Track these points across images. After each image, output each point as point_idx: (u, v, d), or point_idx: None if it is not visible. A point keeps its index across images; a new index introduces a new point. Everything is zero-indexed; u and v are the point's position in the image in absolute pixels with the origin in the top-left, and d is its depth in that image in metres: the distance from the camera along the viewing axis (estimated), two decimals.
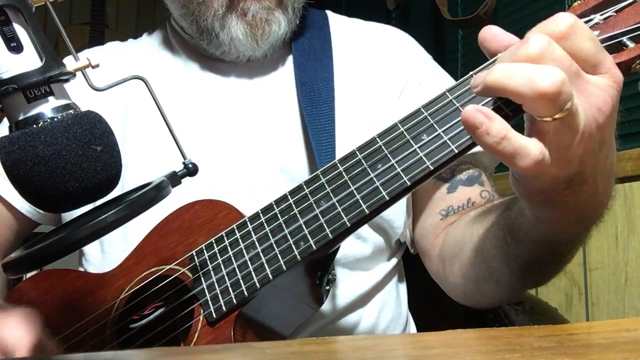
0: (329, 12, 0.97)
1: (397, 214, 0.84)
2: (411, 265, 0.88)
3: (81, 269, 0.87)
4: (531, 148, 0.46)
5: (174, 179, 0.55)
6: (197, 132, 0.83)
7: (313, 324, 0.78)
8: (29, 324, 0.61)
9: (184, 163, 0.57)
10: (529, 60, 0.46)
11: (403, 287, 0.91)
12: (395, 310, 0.87)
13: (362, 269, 0.83)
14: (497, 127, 0.46)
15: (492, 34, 0.51)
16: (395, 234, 0.85)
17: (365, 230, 0.82)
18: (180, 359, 0.40)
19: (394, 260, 0.88)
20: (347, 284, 0.81)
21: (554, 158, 0.47)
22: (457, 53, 2.20)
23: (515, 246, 0.62)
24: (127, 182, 0.78)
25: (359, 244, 0.82)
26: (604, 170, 0.53)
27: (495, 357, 0.36)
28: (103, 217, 0.45)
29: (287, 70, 0.89)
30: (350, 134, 0.80)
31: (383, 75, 0.88)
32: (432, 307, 0.90)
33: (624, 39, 0.51)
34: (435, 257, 0.82)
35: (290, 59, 0.90)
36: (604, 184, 0.54)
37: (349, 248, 0.81)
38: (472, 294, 0.75)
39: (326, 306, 0.79)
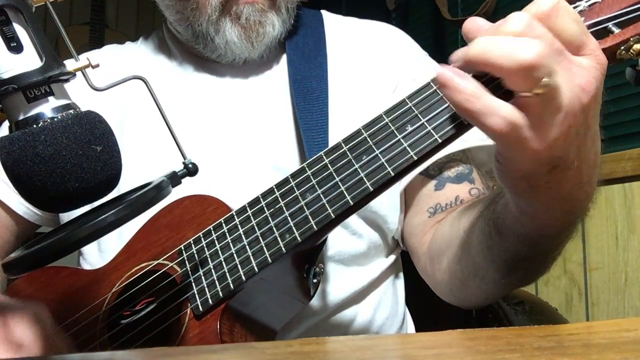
0: (323, 12, 0.98)
1: (391, 210, 0.84)
2: (412, 262, 0.88)
3: (80, 268, 0.87)
4: (502, 108, 0.46)
5: (174, 179, 0.55)
6: (191, 132, 0.83)
7: (308, 320, 0.78)
8: (42, 324, 0.61)
9: (184, 163, 0.57)
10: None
11: (401, 284, 0.91)
12: (392, 308, 0.87)
13: (357, 265, 0.83)
14: (468, 84, 0.47)
15: (476, 25, 0.51)
16: (389, 230, 0.85)
17: (360, 226, 0.82)
18: (178, 359, 0.40)
19: (392, 257, 0.88)
20: (343, 280, 0.81)
21: (537, 135, 0.47)
22: None
23: (500, 241, 0.62)
24: (124, 183, 0.78)
25: (354, 240, 0.82)
26: (588, 158, 0.52)
27: (495, 357, 0.36)
28: (103, 217, 0.45)
29: (281, 70, 0.90)
30: (344, 130, 0.80)
31: (377, 71, 0.89)
32: (432, 305, 0.90)
33: (609, 24, 0.51)
34: (423, 254, 0.82)
35: (284, 58, 0.90)
36: (588, 174, 0.53)
37: (344, 244, 0.81)
38: (458, 292, 0.75)
39: (321, 302, 0.79)
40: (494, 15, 1.90)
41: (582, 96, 0.48)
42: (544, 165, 0.50)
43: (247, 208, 0.65)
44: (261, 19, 0.83)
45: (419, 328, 0.93)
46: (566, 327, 0.49)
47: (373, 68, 0.89)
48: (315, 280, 0.66)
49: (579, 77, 0.47)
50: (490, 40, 0.47)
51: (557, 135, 0.48)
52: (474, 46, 0.47)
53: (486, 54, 0.46)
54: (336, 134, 0.79)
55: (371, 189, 0.56)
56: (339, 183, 0.58)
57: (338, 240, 0.80)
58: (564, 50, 0.47)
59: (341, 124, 0.81)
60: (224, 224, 0.66)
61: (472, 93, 0.46)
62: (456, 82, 0.47)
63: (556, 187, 0.52)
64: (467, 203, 0.77)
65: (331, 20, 0.96)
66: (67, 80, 0.47)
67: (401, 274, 0.92)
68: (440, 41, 2.30)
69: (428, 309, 0.95)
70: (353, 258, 0.82)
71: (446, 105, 0.53)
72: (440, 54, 2.25)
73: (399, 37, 0.96)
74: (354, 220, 0.82)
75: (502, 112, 0.46)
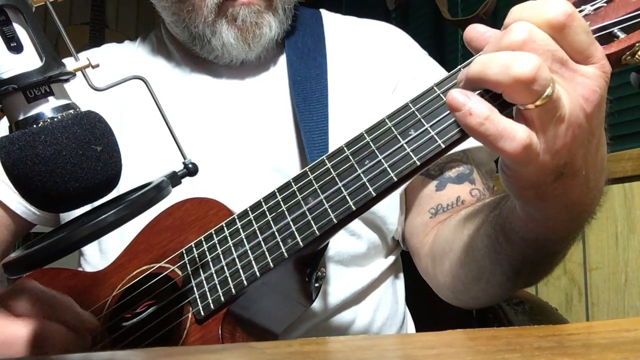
0: (322, 11, 0.98)
1: (390, 211, 0.84)
2: (412, 262, 0.88)
3: (80, 269, 0.87)
4: (517, 131, 0.46)
5: (174, 179, 0.55)
6: (191, 132, 0.83)
7: (307, 321, 0.78)
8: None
9: (184, 163, 0.57)
10: (511, 49, 0.46)
11: (401, 285, 0.91)
12: (391, 308, 0.87)
13: (357, 266, 0.83)
14: (480, 107, 0.46)
15: (477, 32, 0.51)
16: (389, 231, 0.85)
17: (359, 227, 0.82)
18: (178, 359, 0.40)
19: (392, 258, 0.88)
20: (342, 281, 0.81)
21: (542, 147, 0.47)
22: (457, 53, 2.20)
23: (507, 245, 0.61)
24: (124, 183, 0.78)
25: (353, 241, 0.82)
26: (594, 164, 0.52)
27: (495, 357, 0.35)
28: (103, 217, 0.45)
29: (280, 70, 0.89)
30: (344, 131, 0.80)
31: (377, 71, 0.89)
32: (432, 305, 0.90)
33: (615, 29, 0.51)
34: (424, 255, 0.81)
35: (283, 59, 0.90)
36: (595, 179, 0.53)
37: (343, 245, 0.81)
38: (461, 294, 0.75)
39: (321, 303, 0.79)
40: (494, 15, 1.90)
41: (585, 106, 0.47)
42: (550, 174, 0.50)
43: (249, 212, 0.65)
44: (257, 20, 0.83)
45: (419, 328, 0.93)
46: (566, 327, 0.49)
47: (373, 68, 0.89)
48: (317, 285, 0.66)
49: (581, 86, 0.47)
50: (487, 57, 0.47)
51: (562, 145, 0.48)
52: (473, 65, 0.48)
53: (484, 71, 0.46)
54: (336, 135, 0.79)
55: (374, 194, 0.56)
56: (342, 188, 0.58)
57: (337, 241, 0.80)
58: (567, 60, 0.47)
59: (341, 124, 0.81)
60: (225, 228, 0.66)
61: (486, 116, 0.46)
62: (468, 105, 0.46)
63: (564, 194, 0.52)
64: (470, 206, 0.77)
65: (330, 20, 0.96)
66: (67, 80, 0.47)
67: (401, 275, 0.92)
68: (440, 41, 2.30)
69: (428, 309, 0.95)
70: (352, 259, 0.82)
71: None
72: (440, 54, 2.26)
73: (399, 36, 0.96)
74: (353, 221, 0.81)
75: (518, 135, 0.46)
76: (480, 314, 0.91)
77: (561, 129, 0.47)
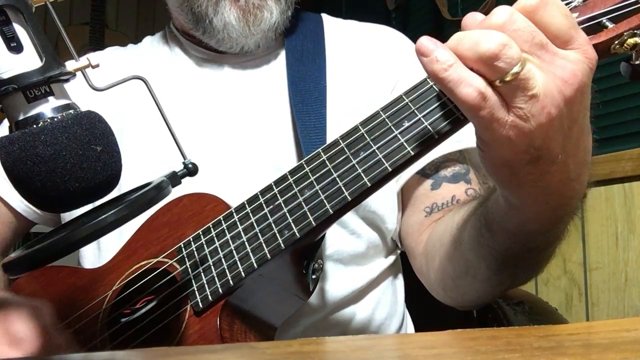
0: (323, 15, 0.99)
1: (389, 210, 0.84)
2: None
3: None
4: (474, 79, 0.47)
5: (174, 179, 0.55)
6: (190, 132, 0.84)
7: (306, 318, 0.78)
8: (40, 318, 0.62)
9: (184, 163, 0.57)
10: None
11: (400, 285, 0.91)
12: (391, 308, 0.87)
13: (356, 265, 0.83)
14: (446, 55, 0.48)
15: (475, 20, 0.52)
16: (388, 230, 0.85)
17: (359, 226, 0.82)
18: (179, 359, 0.40)
19: (391, 258, 0.88)
20: (341, 279, 0.81)
21: (509, 120, 0.48)
22: None
23: (489, 237, 0.62)
24: (124, 183, 0.78)
25: (353, 240, 0.82)
26: (575, 153, 0.52)
27: (495, 357, 0.36)
28: (103, 217, 0.45)
29: (280, 70, 0.90)
30: (342, 131, 0.81)
31: (376, 72, 0.89)
32: (432, 306, 0.90)
33: (603, 19, 0.52)
34: (419, 255, 0.82)
35: (283, 59, 0.91)
36: (576, 169, 0.53)
37: (343, 244, 0.81)
38: (451, 291, 0.75)
39: (319, 301, 0.79)
40: None
41: (564, 89, 0.48)
42: (522, 153, 0.50)
43: (246, 205, 0.66)
44: (260, 3, 0.84)
45: (418, 328, 0.93)
46: (566, 327, 0.49)
47: (371, 69, 0.90)
48: (314, 276, 0.67)
49: (561, 69, 0.48)
50: (462, 34, 0.49)
51: (536, 125, 0.48)
52: (450, 40, 0.50)
53: (456, 46, 0.48)
54: (335, 134, 0.80)
55: (369, 184, 0.57)
56: (337, 179, 0.59)
57: (337, 240, 0.80)
58: (547, 43, 0.48)
59: (339, 125, 0.81)
60: (223, 221, 0.67)
61: (450, 64, 0.48)
62: (435, 53, 0.48)
63: (541, 180, 0.52)
64: (463, 203, 0.77)
65: (331, 23, 0.97)
66: (67, 80, 0.47)
67: (400, 275, 0.92)
68: (440, 41, 2.30)
69: (428, 309, 0.95)
70: (352, 258, 0.82)
71: (442, 100, 0.54)
72: None
73: (398, 38, 0.96)
74: (353, 219, 0.82)
75: (474, 82, 0.47)
76: (480, 314, 0.91)
77: (534, 108, 0.47)
